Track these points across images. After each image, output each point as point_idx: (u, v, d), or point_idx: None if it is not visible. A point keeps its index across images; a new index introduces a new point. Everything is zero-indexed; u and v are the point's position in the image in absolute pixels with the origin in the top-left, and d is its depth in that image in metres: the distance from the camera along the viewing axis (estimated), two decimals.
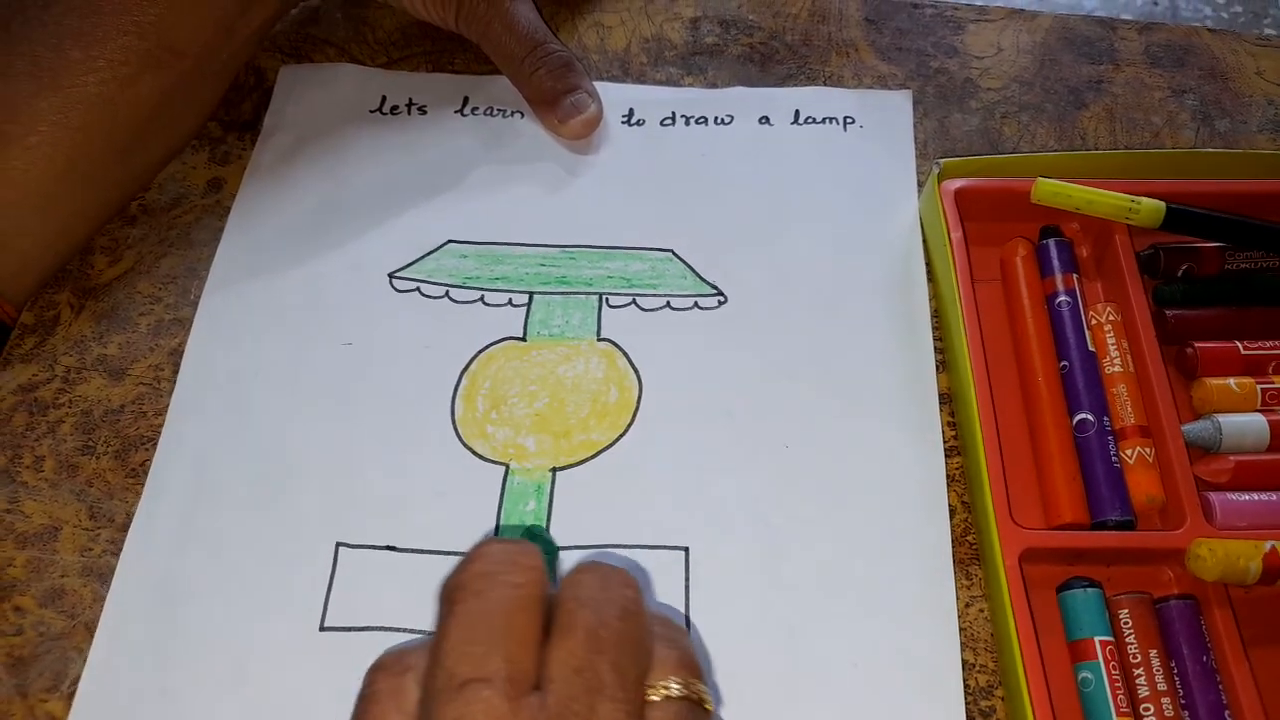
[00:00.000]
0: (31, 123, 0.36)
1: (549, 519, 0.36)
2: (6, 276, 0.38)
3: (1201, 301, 0.39)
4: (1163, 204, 0.38)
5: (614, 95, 0.46)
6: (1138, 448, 0.35)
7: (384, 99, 0.46)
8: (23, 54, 0.36)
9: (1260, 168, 0.41)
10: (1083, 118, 0.46)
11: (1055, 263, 0.39)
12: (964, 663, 0.33)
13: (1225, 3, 0.68)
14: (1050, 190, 0.38)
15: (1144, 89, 0.47)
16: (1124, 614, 0.33)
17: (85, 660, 0.33)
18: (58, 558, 0.35)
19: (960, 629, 0.34)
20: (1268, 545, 0.32)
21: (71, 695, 0.32)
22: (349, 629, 0.33)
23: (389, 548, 0.35)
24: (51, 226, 0.38)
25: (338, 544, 0.35)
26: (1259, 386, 0.36)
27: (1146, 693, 0.32)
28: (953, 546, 0.35)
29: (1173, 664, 0.32)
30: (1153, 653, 0.32)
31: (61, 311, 0.40)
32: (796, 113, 0.46)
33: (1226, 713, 0.31)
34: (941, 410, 0.38)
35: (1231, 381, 0.37)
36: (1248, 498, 0.35)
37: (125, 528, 0.35)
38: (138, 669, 0.33)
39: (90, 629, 0.33)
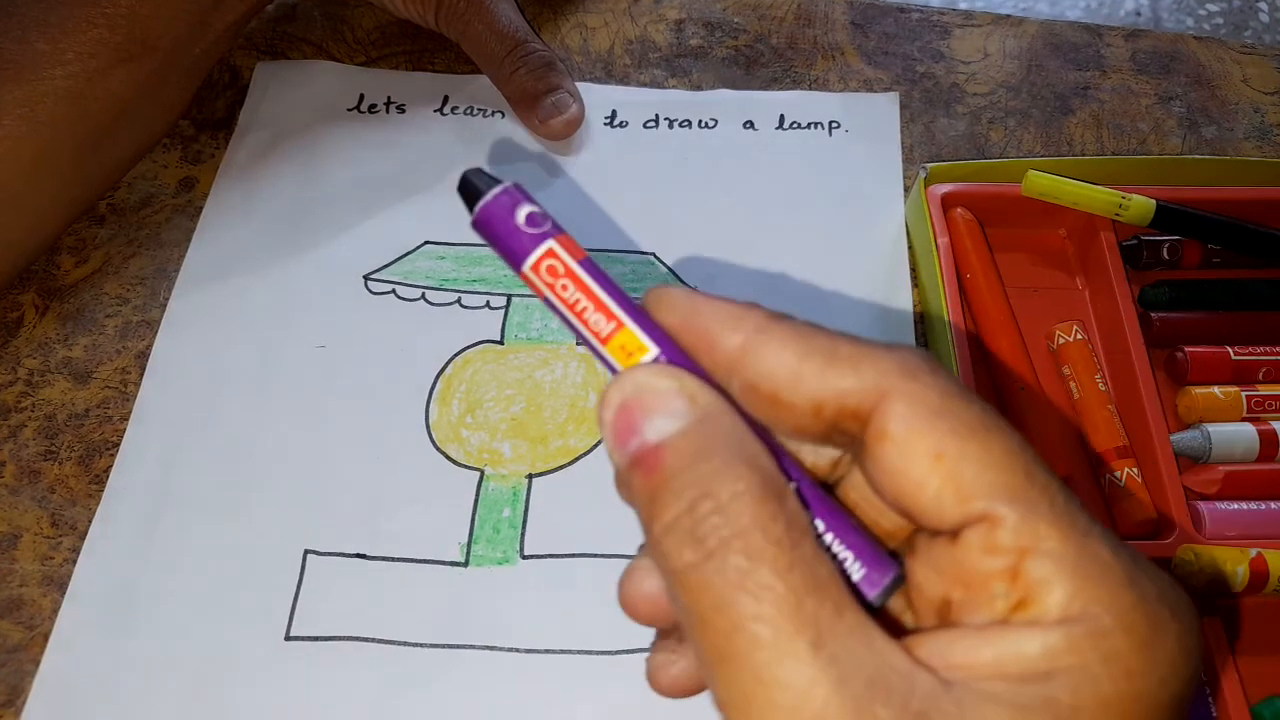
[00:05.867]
0: None
1: (525, 526, 0.35)
2: None
3: (1187, 305, 0.39)
4: (1153, 201, 0.38)
5: (596, 96, 0.45)
6: (1125, 469, 0.35)
7: (362, 97, 0.45)
8: None
9: (1247, 174, 0.41)
10: (1069, 124, 0.45)
11: None
12: None
13: (1207, 14, 0.68)
14: (1040, 184, 0.38)
15: (1131, 95, 0.46)
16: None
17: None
18: (17, 566, 0.34)
19: None
20: (1254, 551, 0.31)
21: None
22: (316, 639, 0.32)
23: (359, 555, 0.34)
24: (17, 224, 0.37)
25: (306, 551, 0.34)
26: (1244, 394, 0.36)
27: None
28: None
29: None
30: None
31: (26, 312, 0.39)
32: (781, 117, 0.45)
33: None
34: None
35: (1217, 389, 0.36)
36: (1236, 507, 0.34)
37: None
38: (92, 682, 0.31)
39: (49, 640, 0.32)
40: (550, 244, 0.18)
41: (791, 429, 0.18)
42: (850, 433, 0.18)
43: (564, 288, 0.18)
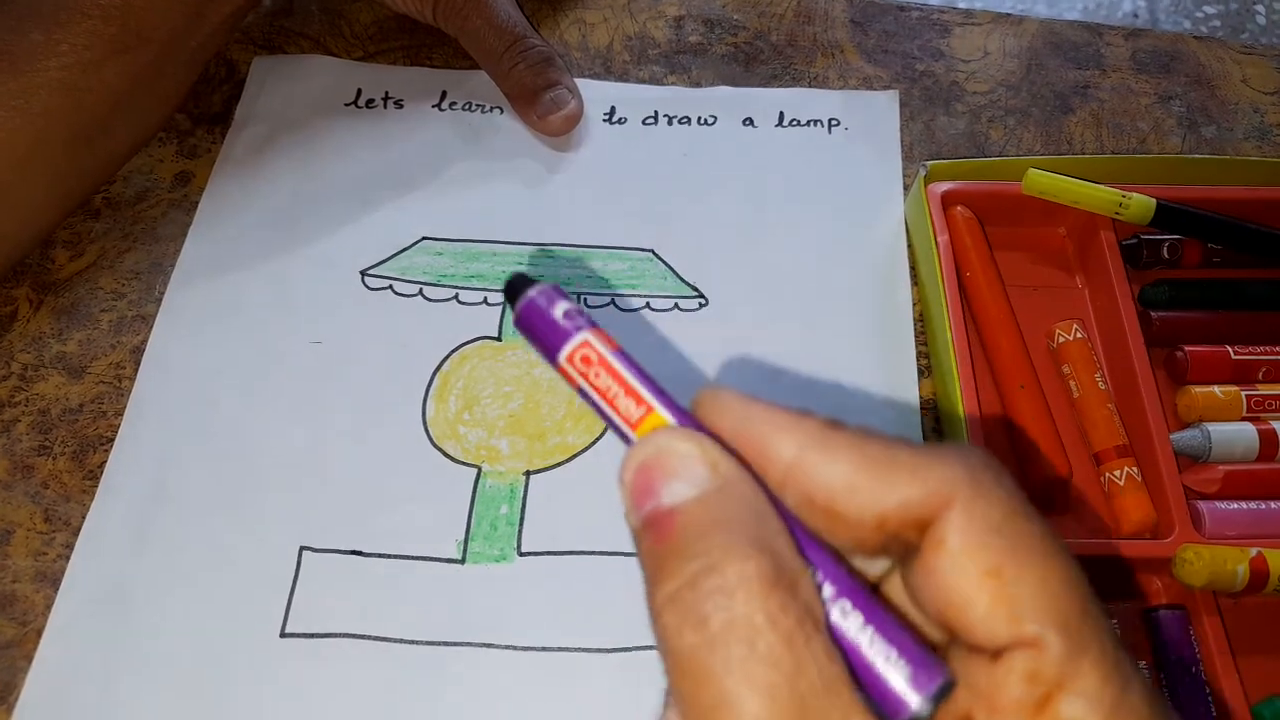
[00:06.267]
0: None
1: (522, 523, 0.34)
2: None
3: (1187, 304, 0.38)
4: (1153, 200, 0.37)
5: (595, 93, 0.45)
6: (1125, 468, 0.35)
7: (359, 92, 0.45)
8: None
9: (1247, 174, 0.41)
10: (1069, 123, 0.45)
11: None
12: None
13: (1204, 16, 0.68)
14: (1041, 183, 0.38)
15: (1130, 95, 0.46)
16: (1113, 624, 0.32)
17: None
18: (10, 562, 0.34)
19: None
20: (1254, 551, 0.31)
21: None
22: (311, 635, 0.32)
23: (355, 552, 0.34)
24: (9, 216, 0.37)
25: (301, 548, 0.34)
26: (1244, 394, 0.36)
27: None
28: None
29: (1162, 675, 0.32)
30: (1142, 663, 0.31)
31: (20, 307, 0.39)
32: (781, 114, 0.45)
33: None
34: (925, 416, 0.37)
35: (1217, 389, 0.36)
36: (1236, 507, 0.34)
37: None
38: (86, 678, 0.31)
39: (42, 637, 0.32)
40: (585, 335, 0.18)
41: (849, 541, 0.17)
42: (908, 541, 0.17)
43: (596, 375, 0.18)
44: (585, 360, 0.18)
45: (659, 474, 0.17)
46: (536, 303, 0.19)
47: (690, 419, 0.18)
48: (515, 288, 0.19)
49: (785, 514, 0.17)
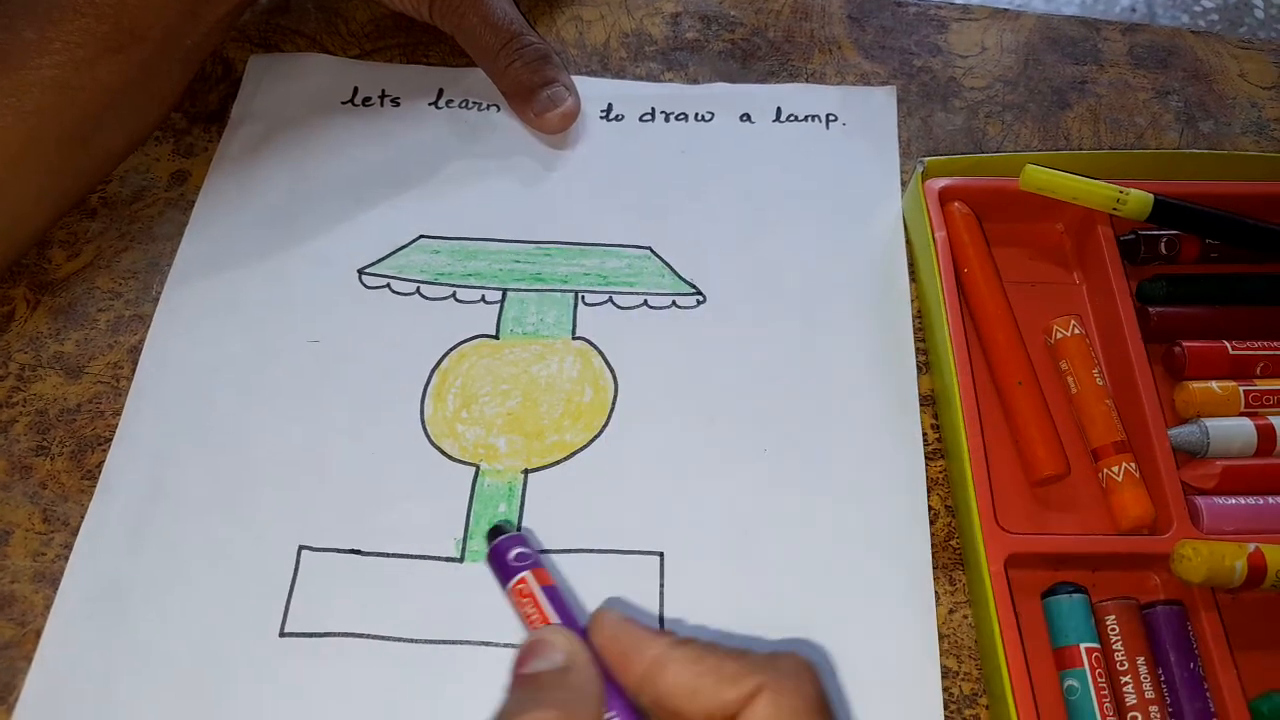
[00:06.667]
0: None
1: (520, 522, 0.34)
2: None
3: (1185, 300, 0.38)
4: (1150, 196, 0.37)
5: (592, 90, 0.45)
6: (1123, 464, 0.35)
7: (356, 90, 0.45)
8: None
9: (1244, 169, 0.41)
10: (1067, 118, 0.45)
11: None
12: (948, 670, 0.33)
13: (1202, 10, 0.68)
14: (1038, 179, 0.37)
15: (1128, 90, 0.46)
16: (1110, 620, 0.32)
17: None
18: (8, 562, 0.34)
19: (944, 635, 0.33)
20: (1251, 546, 0.31)
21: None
22: (311, 635, 0.32)
23: (354, 551, 0.34)
24: (4, 216, 0.37)
25: (300, 547, 0.34)
26: (1242, 389, 0.36)
27: (1134, 700, 0.31)
28: (937, 551, 0.34)
29: (1160, 671, 0.32)
30: (1140, 659, 0.31)
31: (17, 307, 0.39)
32: (778, 110, 0.45)
33: None
34: (924, 413, 0.37)
35: (1215, 384, 0.36)
36: (1234, 502, 0.34)
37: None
38: (85, 678, 0.31)
39: (41, 637, 0.32)
40: (525, 574, 0.26)
41: None
42: None
43: (527, 603, 0.25)
44: (522, 592, 0.26)
45: (532, 651, 0.24)
46: (499, 547, 0.26)
47: (579, 630, 0.25)
48: (493, 533, 0.27)
49: (618, 700, 0.23)
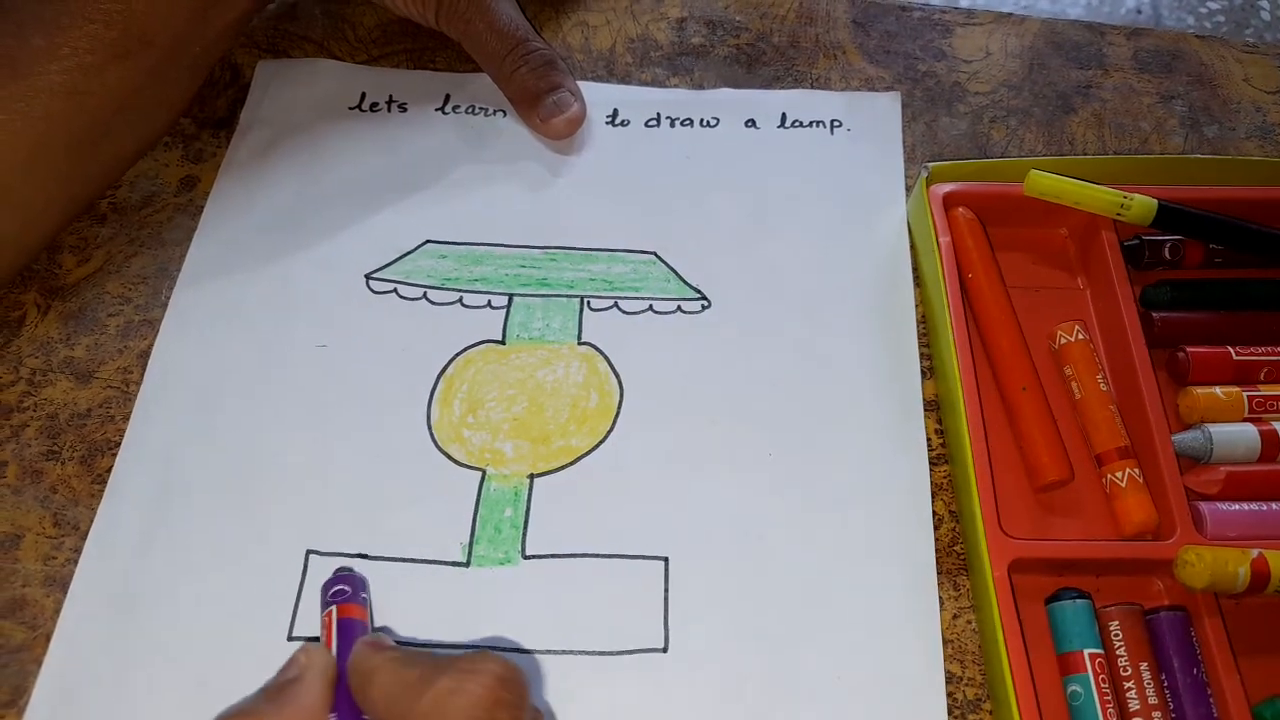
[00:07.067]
0: None
1: (526, 527, 0.35)
2: None
3: (1188, 305, 0.38)
4: (1154, 201, 0.37)
5: (598, 95, 0.45)
6: (1127, 470, 0.35)
7: (364, 96, 0.45)
8: None
9: (1249, 174, 0.41)
10: (1071, 123, 0.45)
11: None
12: (952, 675, 0.33)
13: (1208, 12, 0.68)
14: (1042, 184, 0.38)
15: (1133, 94, 0.46)
16: (1114, 625, 0.32)
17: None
18: (19, 566, 0.34)
19: (948, 641, 0.33)
20: (1255, 552, 0.31)
21: None
22: (318, 639, 0.32)
23: (361, 555, 0.34)
24: (12, 220, 0.37)
25: (308, 551, 0.34)
26: (1246, 395, 0.36)
27: (1137, 706, 0.31)
28: (941, 557, 0.35)
29: (1163, 676, 0.32)
30: (1143, 665, 0.31)
31: (28, 312, 0.39)
32: (783, 115, 0.45)
33: None
34: (928, 418, 0.37)
35: (1218, 390, 0.36)
36: (1237, 508, 0.34)
37: None
38: (94, 682, 0.32)
39: (51, 641, 0.32)
40: (331, 609, 0.29)
41: None
42: None
43: (324, 631, 0.29)
44: (326, 624, 0.29)
45: (283, 666, 0.27)
46: (325, 583, 0.30)
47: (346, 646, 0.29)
48: (336, 573, 0.31)
49: (347, 707, 0.27)
